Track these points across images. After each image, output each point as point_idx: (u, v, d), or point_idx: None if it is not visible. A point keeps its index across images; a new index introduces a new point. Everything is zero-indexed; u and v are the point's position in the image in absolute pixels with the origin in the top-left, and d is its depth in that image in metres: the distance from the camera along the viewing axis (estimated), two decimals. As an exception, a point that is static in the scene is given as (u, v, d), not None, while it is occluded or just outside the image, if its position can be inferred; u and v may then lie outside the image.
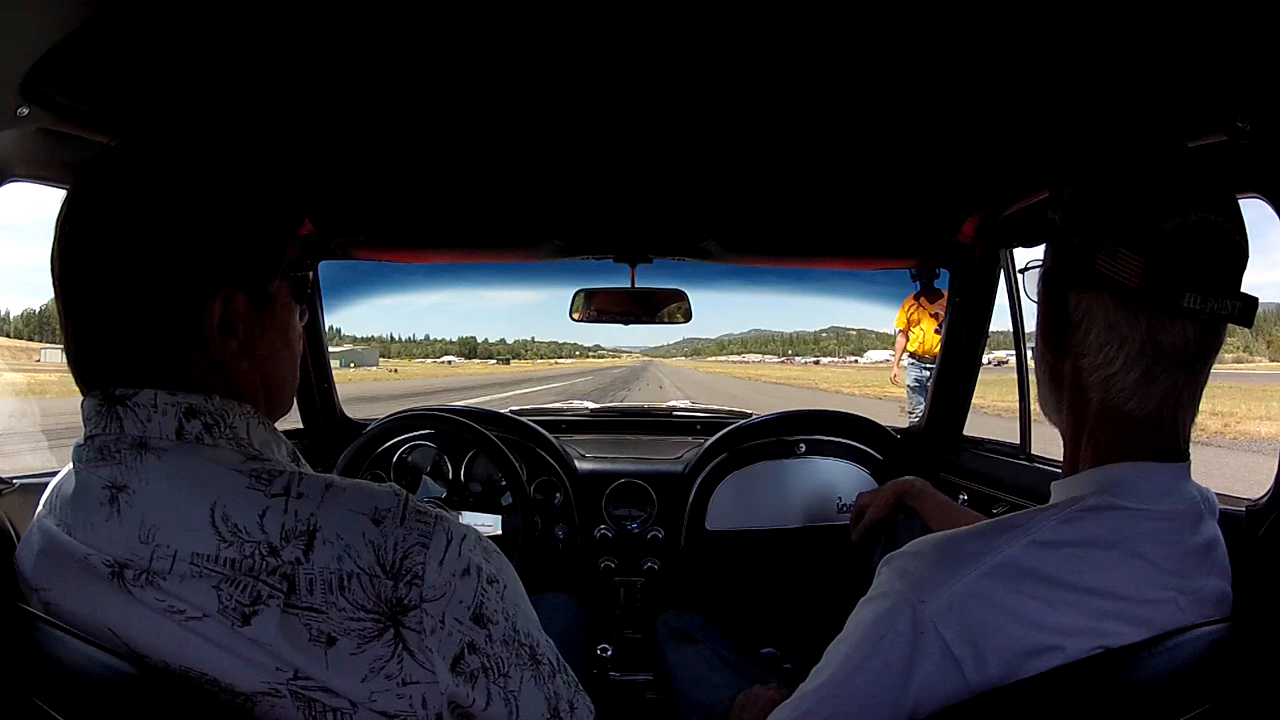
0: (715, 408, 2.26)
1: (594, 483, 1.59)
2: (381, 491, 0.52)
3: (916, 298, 4.71)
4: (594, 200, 1.43)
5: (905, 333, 4.89)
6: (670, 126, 1.06)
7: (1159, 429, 0.56)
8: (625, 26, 0.77)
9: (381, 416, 1.58)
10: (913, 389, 4.92)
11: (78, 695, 0.45)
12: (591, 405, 2.24)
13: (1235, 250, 0.54)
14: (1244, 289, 0.54)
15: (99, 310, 0.52)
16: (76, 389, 0.54)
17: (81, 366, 0.54)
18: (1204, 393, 0.58)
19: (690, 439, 1.88)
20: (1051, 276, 0.60)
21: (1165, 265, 0.52)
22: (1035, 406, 1.41)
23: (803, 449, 1.60)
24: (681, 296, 1.73)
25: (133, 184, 0.53)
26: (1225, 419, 9.66)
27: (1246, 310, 0.53)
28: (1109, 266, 0.54)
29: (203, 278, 0.53)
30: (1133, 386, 0.55)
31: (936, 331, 4.52)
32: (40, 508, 0.56)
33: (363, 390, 21.20)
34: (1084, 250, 0.56)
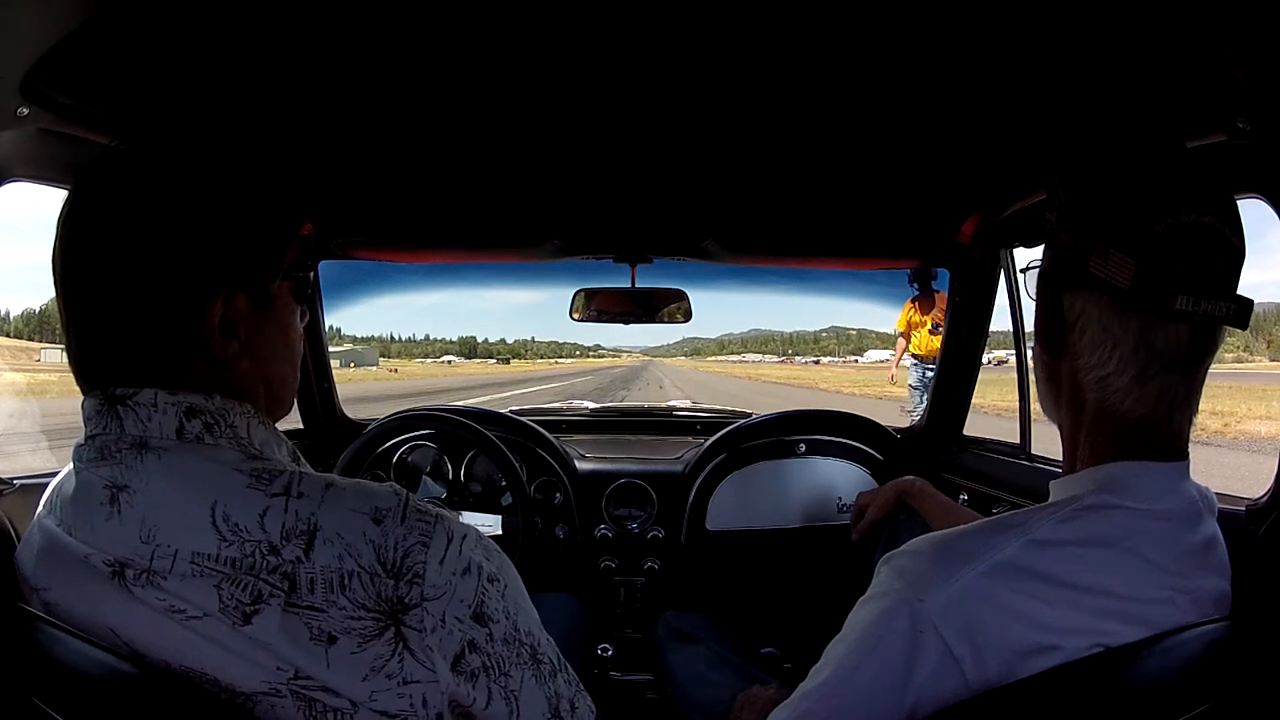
0: (715, 408, 2.26)
1: (594, 483, 1.59)
2: (382, 491, 0.52)
3: (914, 302, 4.82)
4: (594, 200, 1.43)
5: (906, 335, 5.04)
6: (670, 127, 1.06)
7: (1155, 429, 0.56)
8: (625, 27, 0.77)
9: (381, 416, 1.58)
10: (914, 388, 5.07)
11: (78, 695, 0.46)
12: (591, 405, 2.24)
13: (1230, 251, 0.54)
14: (1244, 288, 0.54)
15: (100, 309, 0.52)
16: (76, 389, 0.54)
17: (83, 366, 0.54)
18: (1204, 392, 0.58)
19: (690, 439, 1.88)
20: (1048, 277, 0.60)
21: (1157, 267, 0.52)
22: (1035, 406, 1.42)
23: (803, 449, 1.60)
24: (681, 296, 1.72)
25: (135, 184, 0.53)
26: (1225, 418, 9.66)
27: (1241, 312, 0.53)
28: (1102, 268, 0.54)
29: (204, 278, 0.53)
30: (1127, 387, 0.55)
31: (931, 332, 4.67)
32: (40, 508, 0.56)
33: (363, 390, 21.19)
34: (1078, 251, 0.56)
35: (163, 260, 0.52)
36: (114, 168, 0.54)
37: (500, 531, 1.52)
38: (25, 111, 0.76)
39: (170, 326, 0.52)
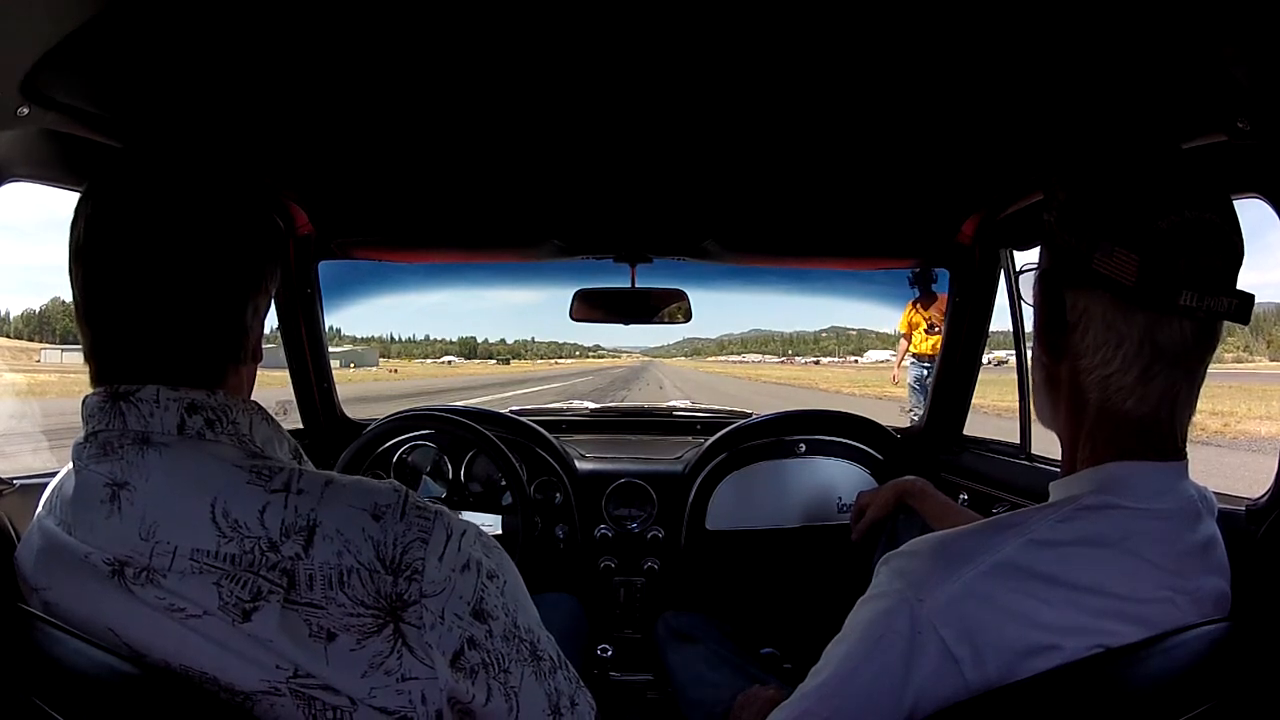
0: (715, 408, 2.26)
1: (594, 483, 1.59)
2: (381, 488, 0.52)
3: (914, 304, 4.89)
4: (594, 200, 1.43)
5: (908, 336, 5.10)
6: (670, 126, 1.06)
7: (1156, 428, 0.56)
8: (625, 27, 0.77)
9: (381, 417, 1.58)
10: (913, 388, 5.12)
11: (78, 695, 0.46)
12: (591, 405, 2.24)
13: (1230, 247, 0.54)
14: (1243, 288, 0.54)
15: (135, 307, 0.53)
16: (75, 389, 0.55)
17: (99, 361, 0.55)
18: (1204, 392, 0.58)
19: (690, 439, 1.88)
20: (1048, 278, 0.60)
21: (1162, 263, 0.52)
22: (1035, 406, 1.41)
23: (803, 449, 1.60)
24: (681, 296, 1.72)
25: (181, 186, 0.54)
26: (1225, 418, 9.66)
27: (1243, 307, 0.53)
28: (1106, 265, 0.54)
29: (252, 273, 0.57)
30: (1130, 386, 0.55)
31: (927, 332, 4.75)
32: (40, 508, 0.56)
33: (363, 390, 21.21)
34: (1080, 250, 0.56)
35: (218, 257, 0.54)
36: (156, 170, 0.54)
37: (500, 531, 1.52)
38: (25, 111, 0.76)
39: (220, 320, 0.55)
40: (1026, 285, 0.64)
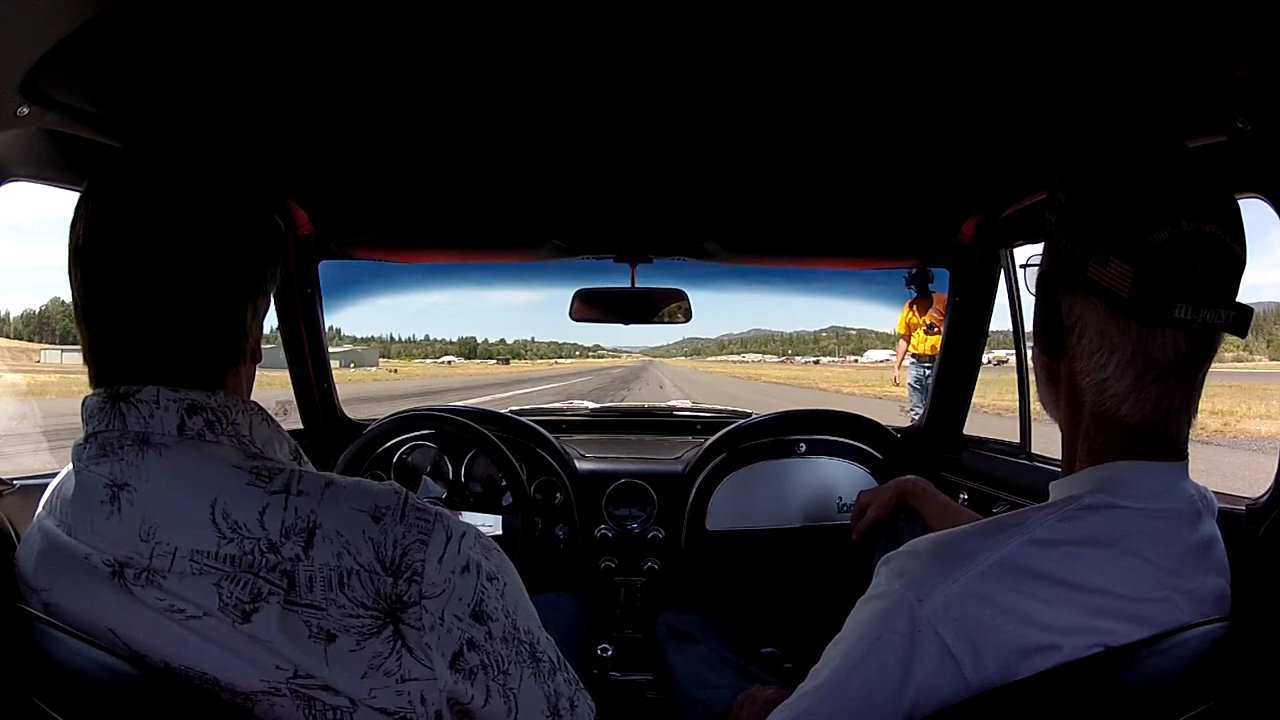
0: (715, 408, 2.26)
1: (594, 483, 1.59)
2: (381, 489, 0.52)
3: (911, 305, 4.93)
4: (594, 200, 1.43)
5: (906, 336, 5.15)
6: (670, 127, 1.06)
7: (1153, 433, 0.56)
8: (625, 27, 0.77)
9: (381, 417, 1.58)
10: (914, 388, 5.16)
11: (78, 695, 0.46)
12: (591, 405, 2.24)
13: (1230, 259, 0.53)
14: (1244, 288, 0.54)
15: (136, 309, 0.53)
16: (75, 390, 0.55)
17: (98, 362, 0.54)
18: (1204, 391, 0.57)
19: (690, 439, 1.88)
20: (1046, 279, 0.60)
21: (1156, 276, 0.52)
22: (1035, 406, 1.42)
23: (803, 449, 1.60)
24: (681, 296, 1.72)
25: (181, 188, 0.54)
26: (1225, 418, 9.66)
27: (1240, 320, 0.52)
28: (1100, 275, 0.54)
29: (255, 274, 0.57)
30: (1124, 393, 0.55)
31: (926, 332, 4.81)
32: (40, 509, 0.56)
33: (363, 390, 21.21)
34: (1076, 256, 0.55)
35: (217, 259, 0.54)
36: (155, 170, 0.54)
37: (500, 531, 1.52)
38: (25, 111, 0.76)
39: (219, 322, 0.55)
40: (1030, 278, 0.64)
